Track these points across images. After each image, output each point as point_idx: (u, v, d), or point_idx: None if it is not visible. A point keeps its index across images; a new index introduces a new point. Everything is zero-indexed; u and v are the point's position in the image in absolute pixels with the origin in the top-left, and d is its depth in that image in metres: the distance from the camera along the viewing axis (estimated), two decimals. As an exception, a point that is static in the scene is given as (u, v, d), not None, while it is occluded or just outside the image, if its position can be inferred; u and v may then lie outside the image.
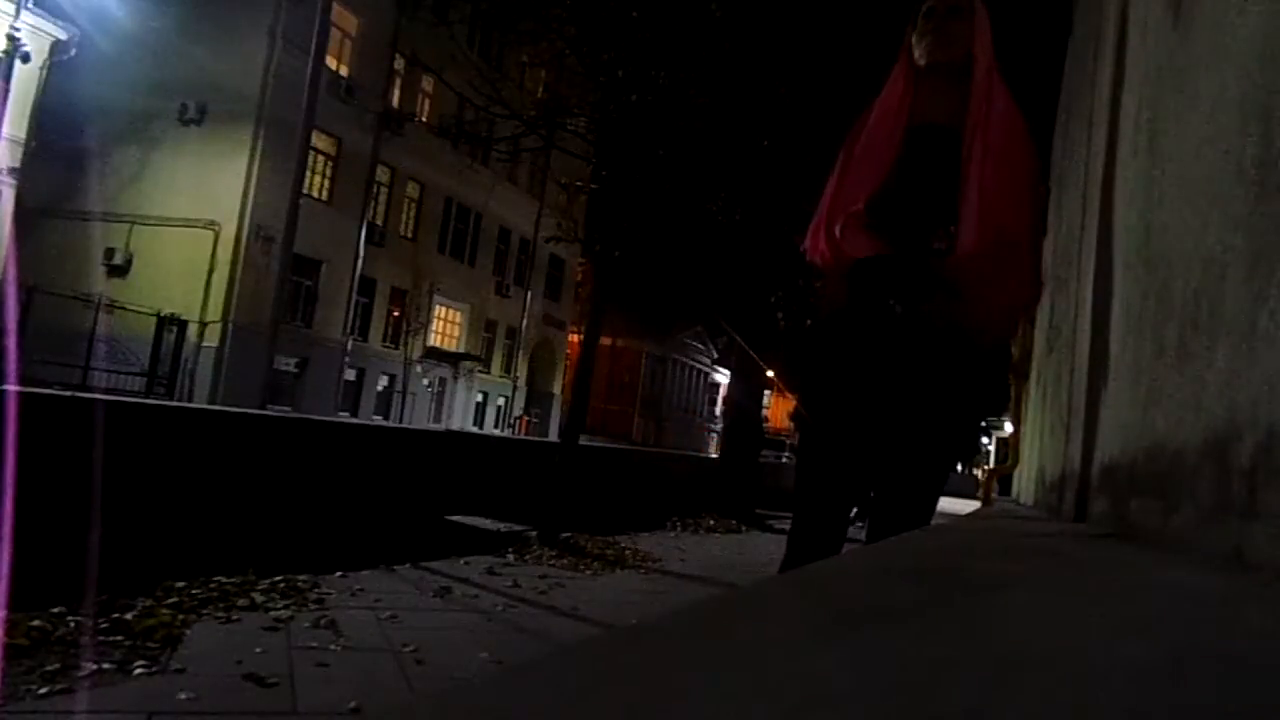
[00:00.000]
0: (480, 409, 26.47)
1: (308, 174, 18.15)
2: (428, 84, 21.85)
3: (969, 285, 1.83)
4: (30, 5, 13.78)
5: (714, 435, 39.28)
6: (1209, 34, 1.07)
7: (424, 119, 21.78)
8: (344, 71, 19.75)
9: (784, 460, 23.21)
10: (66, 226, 16.82)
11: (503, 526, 8.17)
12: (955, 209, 1.86)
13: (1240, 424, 0.82)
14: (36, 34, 14.06)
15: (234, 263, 16.88)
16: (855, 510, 2.14)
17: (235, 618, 4.00)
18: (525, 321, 28.18)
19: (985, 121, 1.89)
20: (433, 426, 21.15)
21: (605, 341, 20.25)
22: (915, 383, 1.88)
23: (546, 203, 24.70)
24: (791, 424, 2.24)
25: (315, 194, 18.96)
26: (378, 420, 20.79)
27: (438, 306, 24.33)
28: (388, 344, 22.65)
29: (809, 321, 11.11)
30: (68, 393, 6.95)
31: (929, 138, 1.95)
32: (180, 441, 6.54)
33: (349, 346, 20.55)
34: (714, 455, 21.34)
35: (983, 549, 1.32)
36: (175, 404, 12.51)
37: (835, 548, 2.00)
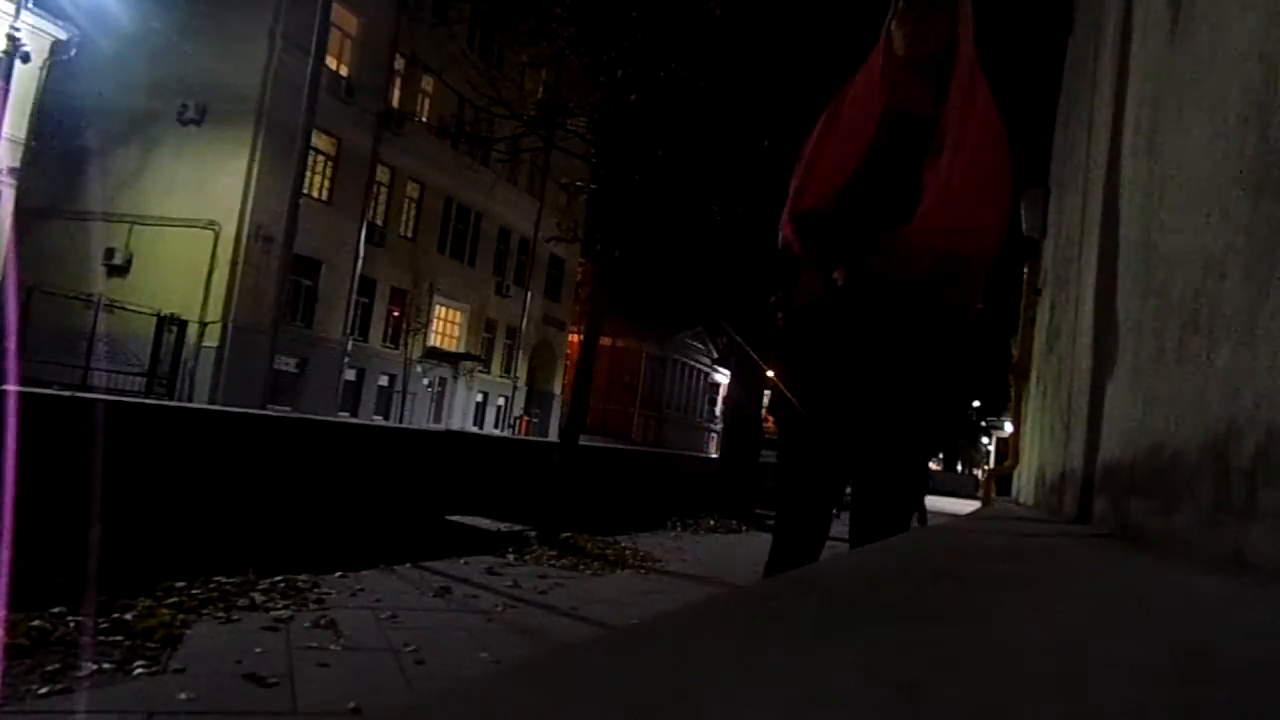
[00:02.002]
0: (480, 409, 26.47)
1: (308, 174, 18.14)
2: (428, 84, 21.87)
3: (915, 253, 1.85)
4: (30, 5, 13.79)
5: (714, 435, 39.27)
6: (1209, 34, 1.07)
7: (424, 119, 21.79)
8: (344, 71, 19.75)
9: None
10: (66, 226, 16.83)
11: (503, 526, 8.17)
12: (919, 197, 1.88)
13: (1240, 424, 0.82)
14: (36, 34, 14.06)
15: (234, 263, 16.88)
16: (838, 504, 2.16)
17: (235, 618, 4.00)
18: (525, 321, 28.19)
19: (963, 118, 1.90)
20: (433, 426, 21.16)
21: (605, 341, 20.25)
22: (888, 368, 1.90)
23: (546, 203, 24.72)
24: (770, 417, 2.26)
25: (315, 194, 18.97)
26: (378, 420, 20.79)
27: (438, 306, 24.35)
28: (388, 344, 22.66)
29: (781, 314, 11.14)
30: (68, 393, 6.95)
31: (905, 125, 1.96)
32: (180, 441, 6.54)
33: (349, 346, 20.55)
34: (714, 455, 21.34)
35: (983, 549, 1.32)
36: (175, 404, 12.51)
37: (820, 539, 2.02)
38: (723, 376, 34.19)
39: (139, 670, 3.10)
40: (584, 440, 9.37)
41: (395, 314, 22.84)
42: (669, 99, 8.56)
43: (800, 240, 1.96)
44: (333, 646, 3.68)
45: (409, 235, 23.14)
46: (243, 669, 3.21)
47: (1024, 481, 6.38)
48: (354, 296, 20.68)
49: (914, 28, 1.96)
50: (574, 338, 28.05)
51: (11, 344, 10.29)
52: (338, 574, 5.20)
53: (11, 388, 5.26)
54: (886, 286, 1.87)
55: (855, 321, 1.91)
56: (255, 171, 17.06)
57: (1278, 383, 0.73)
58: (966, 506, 12.09)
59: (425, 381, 23.85)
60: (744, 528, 11.45)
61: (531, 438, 23.55)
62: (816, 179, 1.99)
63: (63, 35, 14.55)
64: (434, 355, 24.16)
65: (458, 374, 25.22)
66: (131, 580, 4.24)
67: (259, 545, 5.27)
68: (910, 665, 0.47)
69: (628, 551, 7.70)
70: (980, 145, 1.89)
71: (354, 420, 18.37)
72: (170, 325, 15.46)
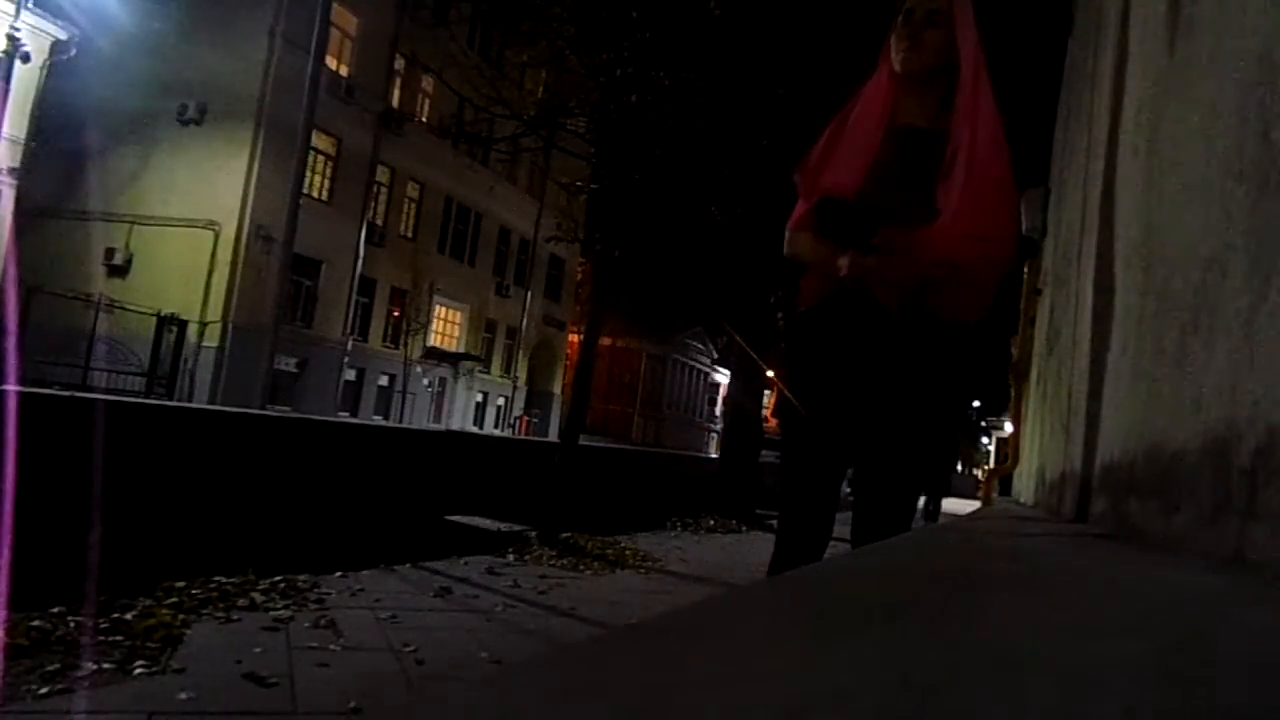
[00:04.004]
0: (480, 409, 26.47)
1: (308, 174, 18.13)
2: (428, 84, 21.87)
3: (924, 257, 1.86)
4: (30, 5, 13.78)
5: (714, 435, 39.26)
6: (1209, 33, 1.07)
7: (424, 119, 21.80)
8: (344, 71, 19.75)
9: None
10: (66, 226, 16.83)
11: (503, 526, 8.17)
12: (930, 209, 1.89)
13: (1240, 424, 0.82)
14: (36, 34, 14.06)
15: (234, 263, 16.88)
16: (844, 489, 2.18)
17: (235, 618, 4.00)
18: (525, 321, 28.19)
19: (972, 131, 1.90)
20: (433, 426, 21.15)
21: (605, 341, 20.26)
22: (892, 374, 1.90)
23: (546, 203, 24.71)
24: (774, 419, 2.27)
25: (315, 194, 18.96)
26: (378, 420, 20.79)
27: (438, 306, 24.34)
28: (388, 344, 22.65)
29: (782, 315, 11.15)
30: (67, 393, 6.95)
31: (909, 139, 1.97)
32: (180, 441, 6.54)
33: (349, 346, 20.55)
34: (714, 455, 21.32)
35: (983, 549, 1.32)
36: (175, 404, 12.51)
37: (824, 539, 2.02)
38: (723, 376, 34.17)
39: (139, 670, 3.10)
40: (584, 440, 9.37)
41: (395, 314, 22.83)
42: (669, 99, 8.57)
43: (818, 220, 1.97)
44: (333, 646, 3.68)
45: (409, 235, 23.14)
46: (243, 669, 3.21)
47: (1024, 481, 6.38)
48: (354, 296, 20.68)
49: (909, 44, 1.97)
50: (574, 338, 28.04)
51: (11, 344, 10.29)
52: (338, 574, 5.20)
53: (11, 388, 5.26)
54: (890, 289, 1.88)
55: (858, 324, 1.92)
56: (255, 171, 17.05)
57: (1278, 383, 0.73)
58: (966, 506, 12.10)
59: (425, 381, 23.85)
60: (744, 528, 11.44)
61: (531, 438, 23.55)
62: (822, 187, 2.00)
63: (63, 35, 14.54)
64: (434, 355, 24.15)
65: (458, 374, 25.22)
66: (131, 580, 4.23)
67: (259, 545, 5.26)
68: (910, 665, 0.47)
69: (628, 551, 7.70)
70: (990, 156, 1.90)
71: (354, 420, 18.37)
72: (170, 325, 15.45)
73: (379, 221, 21.65)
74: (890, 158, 1.96)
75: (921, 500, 10.84)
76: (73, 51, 14.83)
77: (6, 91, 13.54)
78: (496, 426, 26.95)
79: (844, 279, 1.89)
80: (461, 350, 25.23)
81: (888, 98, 2.02)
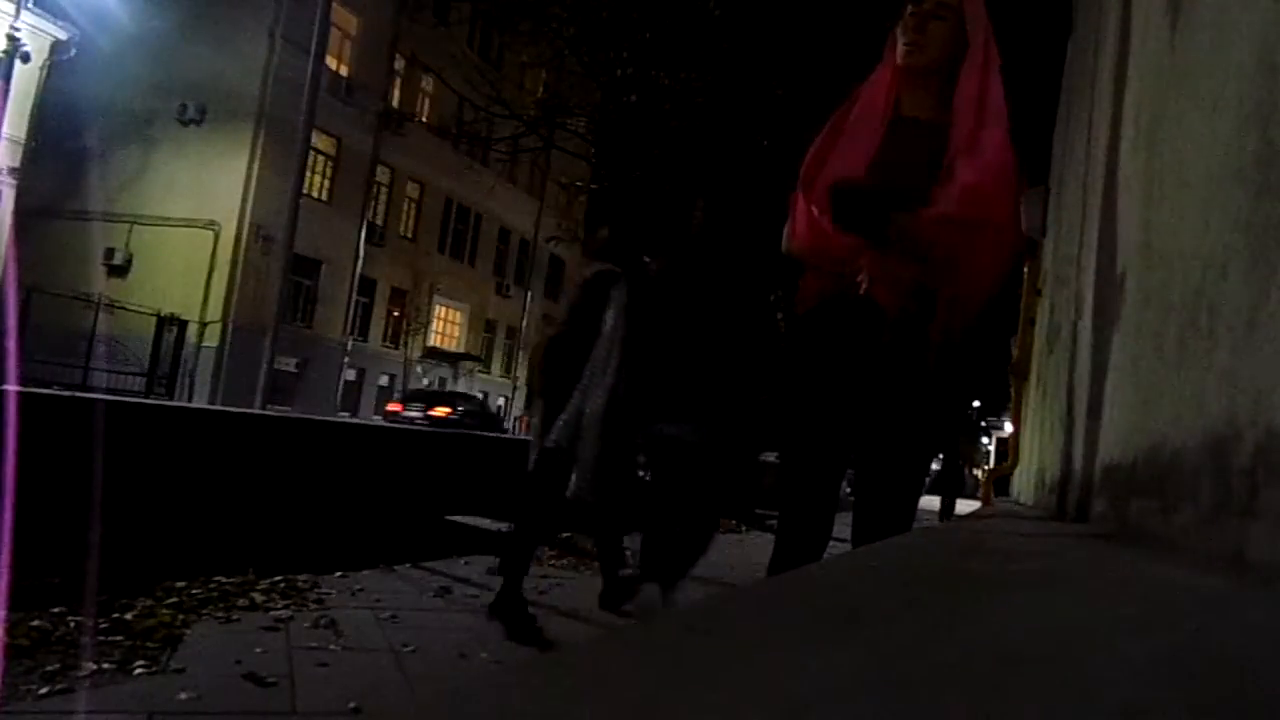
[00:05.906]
0: (480, 409, 26.52)
1: (308, 174, 18.17)
2: (428, 84, 21.89)
3: (930, 240, 1.84)
4: (30, 5, 13.79)
5: (714, 435, 39.12)
6: (1209, 33, 1.07)
7: (424, 119, 21.81)
8: (344, 71, 19.76)
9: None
10: (66, 226, 16.84)
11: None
12: (929, 201, 1.88)
13: (1240, 424, 0.82)
14: (36, 34, 14.07)
15: (234, 263, 16.89)
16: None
17: (235, 618, 3.99)
18: (525, 321, 28.20)
19: (979, 123, 1.89)
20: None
21: (605, 341, 20.22)
22: (892, 375, 1.90)
23: (546, 203, 24.72)
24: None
25: (315, 194, 18.98)
26: (378, 420, 20.79)
27: (438, 306, 24.36)
28: (388, 344, 22.67)
29: (783, 317, 11.13)
30: (68, 393, 6.95)
31: (911, 131, 1.97)
32: (180, 441, 6.54)
33: (349, 346, 20.56)
34: (714, 455, 21.29)
35: (983, 549, 1.32)
36: (175, 404, 12.52)
37: (824, 539, 2.02)
38: (723, 376, 34.07)
39: (139, 670, 3.09)
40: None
41: (395, 314, 22.85)
42: (669, 99, 8.58)
43: (835, 209, 1.93)
44: (333, 646, 3.67)
45: (409, 235, 23.16)
46: (243, 669, 3.20)
47: (1024, 481, 6.38)
48: (354, 296, 20.70)
49: (914, 37, 1.96)
50: (574, 338, 28.01)
51: (11, 344, 10.29)
52: (338, 574, 5.19)
53: (11, 388, 5.26)
54: (889, 289, 1.87)
55: (858, 326, 1.91)
56: (255, 171, 17.06)
57: (1278, 383, 0.73)
58: (966, 506, 12.09)
59: (425, 381, 23.86)
60: (744, 528, 11.43)
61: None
62: (824, 179, 1.99)
63: (63, 35, 14.55)
64: (434, 355, 24.16)
65: (458, 374, 25.23)
66: (131, 580, 4.23)
67: (259, 545, 5.26)
68: (910, 665, 0.47)
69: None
70: (996, 143, 1.89)
71: (354, 420, 18.36)
72: (170, 325, 15.47)
73: (379, 221, 21.67)
74: (892, 150, 1.95)
75: (939, 501, 10.81)
76: (73, 51, 14.84)
77: (6, 91, 13.55)
78: (496, 426, 27.00)
79: (850, 282, 1.88)
80: (461, 350, 25.25)
81: (891, 90, 2.01)
